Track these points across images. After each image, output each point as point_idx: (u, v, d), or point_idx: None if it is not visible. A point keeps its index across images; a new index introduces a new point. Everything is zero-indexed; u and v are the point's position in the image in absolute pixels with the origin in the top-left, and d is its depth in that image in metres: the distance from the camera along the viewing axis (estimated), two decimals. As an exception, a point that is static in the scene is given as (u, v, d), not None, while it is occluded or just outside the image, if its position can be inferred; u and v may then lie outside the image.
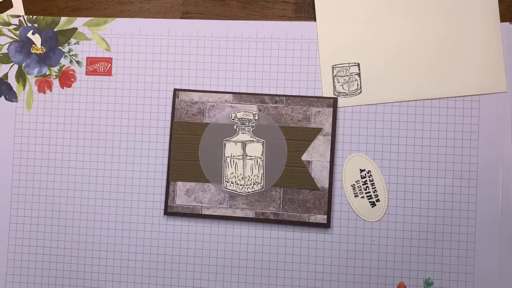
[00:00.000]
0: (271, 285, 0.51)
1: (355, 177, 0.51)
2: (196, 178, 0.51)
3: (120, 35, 0.53)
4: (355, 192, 0.51)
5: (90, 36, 0.54)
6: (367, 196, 0.51)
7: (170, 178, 0.52)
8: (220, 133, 0.51)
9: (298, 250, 0.51)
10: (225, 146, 0.51)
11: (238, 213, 0.51)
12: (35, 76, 0.54)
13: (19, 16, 0.54)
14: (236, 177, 0.51)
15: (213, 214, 0.51)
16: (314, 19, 0.52)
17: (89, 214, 0.53)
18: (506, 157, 0.50)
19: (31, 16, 0.54)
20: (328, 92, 0.51)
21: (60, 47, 0.54)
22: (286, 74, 0.52)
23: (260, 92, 0.52)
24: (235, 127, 0.51)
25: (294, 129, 0.51)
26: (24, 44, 0.54)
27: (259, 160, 0.51)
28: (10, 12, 0.55)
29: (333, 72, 0.51)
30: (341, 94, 0.51)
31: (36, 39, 0.54)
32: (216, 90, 0.52)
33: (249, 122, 0.51)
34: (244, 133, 0.51)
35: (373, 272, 0.51)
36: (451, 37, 0.51)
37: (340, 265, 0.51)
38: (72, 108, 0.53)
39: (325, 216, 0.50)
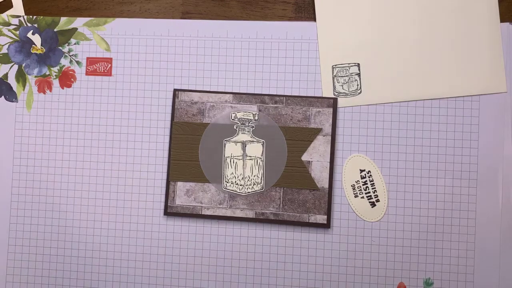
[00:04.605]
0: (271, 285, 0.51)
1: (355, 177, 0.51)
2: (196, 178, 0.51)
3: (120, 35, 0.53)
4: (355, 192, 0.51)
5: (90, 36, 0.54)
6: (367, 196, 0.51)
7: (170, 178, 0.52)
8: (220, 133, 0.51)
9: (298, 250, 0.51)
10: (225, 146, 0.51)
11: (238, 213, 0.51)
12: (35, 76, 0.54)
13: (19, 16, 0.54)
14: (236, 177, 0.51)
15: (213, 214, 0.51)
16: (314, 19, 0.52)
17: (89, 214, 0.53)
18: (506, 157, 0.50)
19: (31, 16, 0.54)
20: (328, 92, 0.51)
21: (60, 47, 0.54)
22: (286, 74, 0.52)
23: (260, 92, 0.52)
24: (235, 127, 0.51)
25: (294, 129, 0.51)
26: (24, 44, 0.54)
27: (259, 160, 0.51)
28: (10, 12, 0.55)
29: (333, 72, 0.51)
30: (341, 94, 0.51)
31: (36, 39, 0.54)
32: (216, 90, 0.52)
33: (249, 122, 0.51)
34: (244, 133, 0.51)
35: (373, 272, 0.51)
36: (451, 37, 0.51)
37: (340, 265, 0.51)
38: (72, 108, 0.53)
39: (325, 216, 0.50)
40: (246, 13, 0.54)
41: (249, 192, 0.51)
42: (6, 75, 0.54)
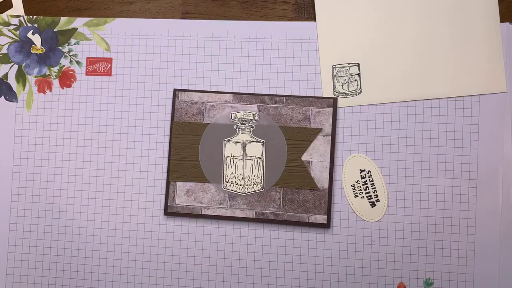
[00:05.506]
0: (271, 285, 0.51)
1: (355, 177, 0.51)
2: (196, 178, 0.51)
3: (120, 35, 0.53)
4: (355, 192, 0.51)
5: (90, 36, 0.54)
6: (367, 196, 0.51)
7: (170, 178, 0.52)
8: (220, 133, 0.51)
9: (298, 250, 0.51)
10: (225, 146, 0.51)
11: (238, 213, 0.51)
12: (35, 76, 0.54)
13: (19, 16, 0.54)
14: (236, 177, 0.51)
15: (213, 214, 0.51)
16: (314, 19, 0.52)
17: (89, 214, 0.53)
18: (506, 157, 0.50)
19: (31, 16, 0.54)
20: (328, 92, 0.51)
21: (60, 47, 0.54)
22: (286, 74, 0.52)
23: (260, 92, 0.52)
24: (235, 127, 0.51)
25: (294, 129, 0.51)
26: (24, 44, 0.54)
27: (259, 160, 0.51)
28: (10, 12, 0.55)
29: (333, 72, 0.51)
30: (341, 94, 0.51)
31: (36, 39, 0.54)
32: (216, 90, 0.52)
33: (249, 122, 0.51)
34: (244, 133, 0.51)
35: (373, 272, 0.51)
36: (451, 37, 0.51)
37: (340, 265, 0.51)
38: (72, 108, 0.53)
39: (325, 216, 0.50)
40: (246, 13, 0.54)
41: (249, 192, 0.51)
42: (6, 75, 0.54)
